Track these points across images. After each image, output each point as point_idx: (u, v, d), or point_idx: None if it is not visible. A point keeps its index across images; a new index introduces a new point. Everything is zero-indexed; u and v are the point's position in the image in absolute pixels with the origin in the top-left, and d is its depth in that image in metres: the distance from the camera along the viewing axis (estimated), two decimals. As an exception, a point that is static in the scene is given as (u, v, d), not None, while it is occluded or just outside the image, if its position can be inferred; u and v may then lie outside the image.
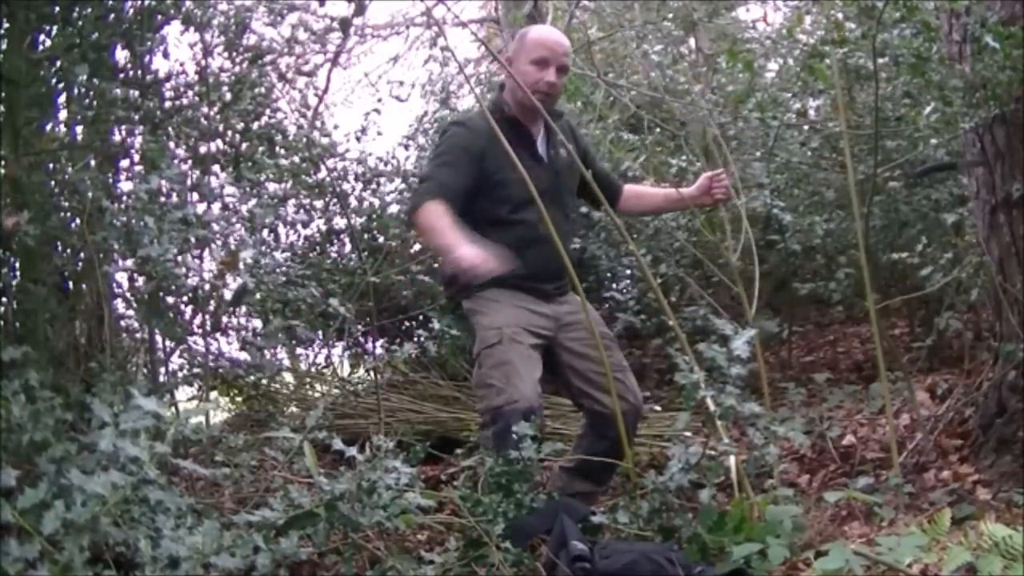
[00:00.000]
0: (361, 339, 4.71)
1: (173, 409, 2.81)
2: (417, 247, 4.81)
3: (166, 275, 2.41)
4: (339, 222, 4.57)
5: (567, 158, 2.85)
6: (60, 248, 2.77)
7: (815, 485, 3.18)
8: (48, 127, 2.81)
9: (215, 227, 2.70)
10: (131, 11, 2.75)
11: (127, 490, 1.65)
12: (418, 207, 2.68)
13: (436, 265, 3.01)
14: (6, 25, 2.54)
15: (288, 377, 4.70)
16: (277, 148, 3.65)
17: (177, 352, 3.06)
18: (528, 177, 2.61)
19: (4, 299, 2.56)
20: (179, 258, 2.46)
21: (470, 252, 2.47)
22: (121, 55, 2.85)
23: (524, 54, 2.79)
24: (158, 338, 2.90)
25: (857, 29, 3.35)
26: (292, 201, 4.18)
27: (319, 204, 4.46)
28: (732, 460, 2.52)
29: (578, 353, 2.81)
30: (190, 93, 3.05)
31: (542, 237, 2.69)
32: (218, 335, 3.37)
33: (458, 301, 2.86)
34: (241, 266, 2.64)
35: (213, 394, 3.80)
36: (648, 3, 6.20)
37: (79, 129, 2.95)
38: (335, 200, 4.47)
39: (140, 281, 2.82)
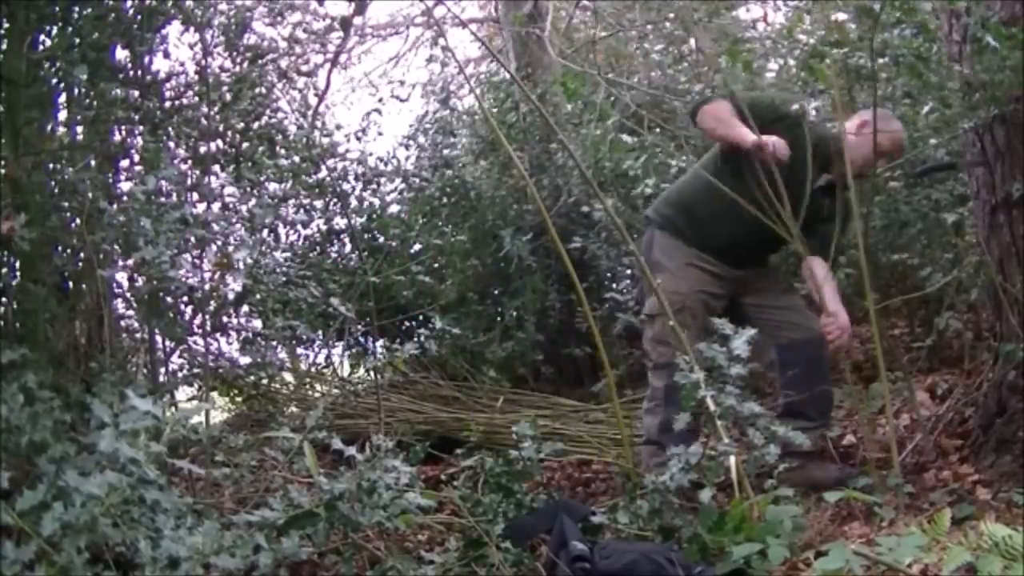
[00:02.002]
0: (361, 339, 4.71)
1: (173, 409, 2.80)
2: (417, 247, 4.82)
3: (162, 277, 2.41)
4: (339, 222, 4.58)
5: (814, 208, 3.03)
6: (60, 248, 2.77)
7: (815, 485, 3.17)
8: (48, 127, 2.81)
9: (215, 227, 2.70)
10: (131, 11, 2.76)
11: (126, 491, 1.65)
12: (706, 101, 3.07)
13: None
14: (6, 25, 2.54)
15: (288, 377, 4.70)
16: (277, 148, 3.65)
17: (177, 352, 3.06)
18: (782, 193, 2.86)
19: (4, 299, 2.55)
20: (175, 259, 2.46)
21: (767, 138, 2.86)
22: (121, 55, 2.85)
23: (879, 142, 2.95)
24: (158, 338, 2.90)
25: (856, 30, 3.35)
26: (292, 201, 4.18)
27: (319, 204, 4.46)
28: (732, 460, 2.52)
29: (759, 305, 3.17)
30: (190, 93, 3.05)
31: (744, 229, 2.98)
32: (218, 335, 3.38)
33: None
34: (240, 266, 2.64)
35: (213, 394, 3.79)
36: (648, 3, 6.18)
37: (79, 129, 2.95)
38: (335, 200, 4.48)
39: (140, 281, 2.82)
